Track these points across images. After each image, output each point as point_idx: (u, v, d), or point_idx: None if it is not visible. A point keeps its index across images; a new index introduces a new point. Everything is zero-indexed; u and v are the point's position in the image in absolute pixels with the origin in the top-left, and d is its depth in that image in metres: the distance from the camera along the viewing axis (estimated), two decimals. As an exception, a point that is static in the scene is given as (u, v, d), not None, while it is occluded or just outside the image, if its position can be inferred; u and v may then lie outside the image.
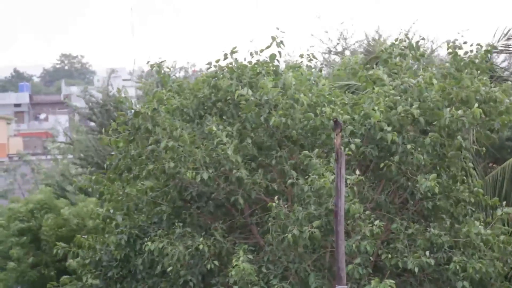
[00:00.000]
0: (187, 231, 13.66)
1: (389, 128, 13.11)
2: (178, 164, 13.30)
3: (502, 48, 19.83)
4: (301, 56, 14.97)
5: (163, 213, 14.55)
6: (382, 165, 13.19)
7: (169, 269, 13.22)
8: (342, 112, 13.34)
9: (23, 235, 21.94)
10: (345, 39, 33.07)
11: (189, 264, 13.51)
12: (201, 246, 13.23)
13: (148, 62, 15.04)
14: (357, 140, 13.06)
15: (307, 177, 12.76)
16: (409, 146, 13.13)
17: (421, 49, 14.88)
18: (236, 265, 12.40)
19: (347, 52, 32.26)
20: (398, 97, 13.44)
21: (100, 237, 15.21)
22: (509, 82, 19.82)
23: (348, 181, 12.42)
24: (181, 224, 13.77)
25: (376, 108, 13.17)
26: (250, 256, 12.75)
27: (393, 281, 11.96)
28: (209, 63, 14.66)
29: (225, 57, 14.31)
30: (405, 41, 14.86)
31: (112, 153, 14.89)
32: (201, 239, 13.38)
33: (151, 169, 13.59)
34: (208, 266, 13.32)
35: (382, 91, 13.59)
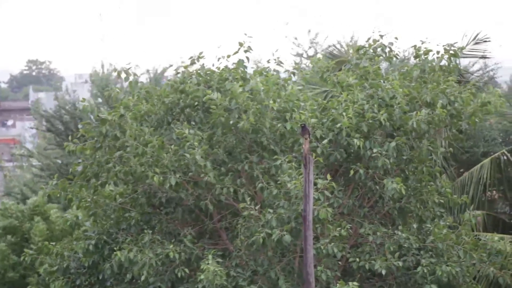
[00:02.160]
0: (157, 238, 13.58)
1: (357, 135, 13.16)
2: (146, 169, 13.24)
3: (469, 53, 20.00)
4: (268, 61, 14.98)
5: (131, 219, 14.47)
6: (351, 171, 13.24)
7: (142, 278, 13.11)
8: (310, 116, 13.37)
9: (12, 233, 21.60)
10: (317, 43, 33.19)
11: (158, 271, 13.43)
12: (171, 254, 13.16)
13: (114, 69, 14.92)
14: (325, 142, 13.08)
15: (278, 182, 12.76)
16: (375, 150, 13.20)
17: (394, 50, 14.96)
18: (205, 269, 12.35)
19: (319, 56, 32.37)
20: (367, 105, 13.49)
21: (68, 244, 15.08)
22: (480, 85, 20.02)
23: (319, 185, 12.44)
24: (150, 231, 13.69)
25: (344, 114, 13.23)
26: (219, 260, 12.71)
27: (357, 283, 11.98)
28: (177, 69, 14.63)
29: (192, 63, 14.28)
30: (378, 40, 14.95)
31: (79, 160, 14.75)
32: (171, 246, 13.31)
33: (118, 171, 13.48)
34: (178, 274, 13.25)
35: (351, 97, 13.65)
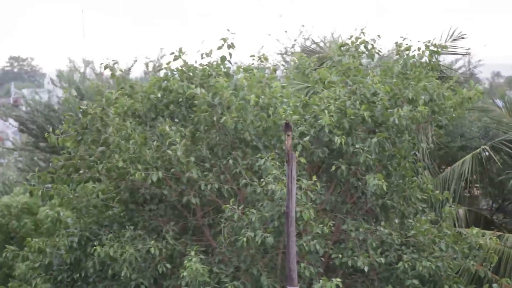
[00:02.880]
0: (138, 234, 13.56)
1: (339, 132, 13.20)
2: (128, 165, 13.21)
3: (449, 50, 20.11)
4: (252, 56, 14.97)
5: (114, 216, 14.43)
6: (333, 167, 13.26)
7: (122, 273, 13.08)
8: (292, 113, 13.38)
9: None
10: (305, 39, 33.27)
11: (140, 267, 13.41)
12: (152, 249, 13.15)
13: (101, 64, 14.91)
14: (306, 140, 13.11)
15: (262, 180, 12.75)
16: (357, 146, 13.24)
17: (376, 47, 15.01)
18: (188, 266, 12.35)
19: (297, 50, 32.47)
20: (348, 101, 13.53)
21: (50, 240, 15.01)
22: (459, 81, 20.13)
23: (303, 186, 12.45)
24: (132, 227, 13.67)
25: (326, 111, 13.25)
26: (202, 257, 12.71)
27: (340, 280, 12.02)
28: (160, 65, 14.61)
29: (175, 59, 14.24)
30: (360, 37, 14.99)
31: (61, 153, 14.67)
32: (152, 242, 13.30)
33: (100, 167, 13.45)
34: (160, 270, 13.24)
35: (333, 94, 13.67)
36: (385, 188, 12.99)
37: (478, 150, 20.15)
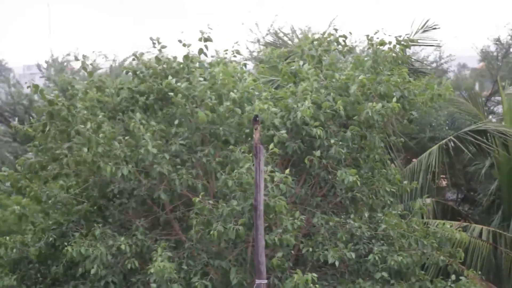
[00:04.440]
0: (107, 231, 13.46)
1: (316, 123, 13.23)
2: (98, 158, 13.13)
3: (420, 40, 20.22)
4: (226, 51, 14.91)
5: (83, 211, 14.32)
6: (306, 160, 13.28)
7: (93, 271, 12.98)
8: (262, 107, 13.34)
9: None
10: (276, 33, 33.20)
11: (110, 263, 13.33)
12: (123, 246, 13.09)
13: (74, 57, 14.83)
14: (283, 133, 13.09)
15: (235, 172, 12.71)
16: (332, 141, 13.27)
17: (348, 44, 15.06)
18: (155, 263, 12.30)
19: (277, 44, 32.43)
20: (322, 95, 13.55)
21: (18, 237, 14.87)
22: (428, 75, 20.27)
23: (276, 179, 12.45)
24: (100, 225, 13.59)
25: (302, 103, 13.24)
26: (169, 254, 12.66)
27: (315, 275, 12.06)
28: (134, 56, 14.49)
29: (154, 45, 14.10)
30: (332, 35, 15.02)
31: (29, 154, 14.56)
32: (122, 238, 13.24)
33: (68, 162, 13.34)
34: (129, 266, 13.18)
35: (309, 87, 13.70)
36: (358, 183, 13.07)
37: (444, 141, 20.33)
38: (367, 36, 14.89)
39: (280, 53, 15.69)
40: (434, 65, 33.47)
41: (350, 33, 15.13)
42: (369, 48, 14.81)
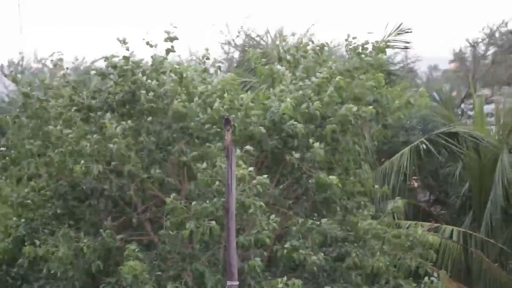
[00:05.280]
0: (70, 233, 13.37)
1: (296, 122, 13.22)
2: (67, 158, 13.03)
3: (392, 44, 20.35)
4: (201, 58, 14.89)
5: (54, 212, 14.22)
6: (287, 158, 13.26)
7: (56, 271, 12.87)
8: (227, 105, 13.28)
9: None
10: (247, 34, 33.18)
11: (76, 265, 13.24)
12: (85, 248, 12.99)
13: (50, 59, 14.78)
14: (261, 129, 13.05)
15: (212, 167, 12.61)
16: (311, 140, 13.27)
17: (324, 54, 15.11)
18: (127, 264, 12.24)
19: (247, 46, 32.41)
20: (301, 96, 13.58)
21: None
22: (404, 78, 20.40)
23: (254, 181, 12.38)
24: (66, 226, 13.49)
25: (285, 101, 13.24)
26: (140, 255, 12.60)
27: (300, 281, 12.08)
28: (105, 58, 14.43)
29: (124, 46, 14.07)
30: (308, 45, 15.07)
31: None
32: (86, 240, 13.16)
33: (38, 163, 13.26)
34: (94, 268, 13.10)
35: (287, 88, 13.71)
36: (339, 185, 13.08)
37: (416, 143, 20.47)
38: (346, 39, 14.95)
39: (259, 54, 15.71)
40: (401, 64, 33.62)
41: (327, 43, 15.24)
42: (349, 52, 14.86)
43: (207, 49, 14.71)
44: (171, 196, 12.57)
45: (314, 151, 13.15)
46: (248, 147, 12.55)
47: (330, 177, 13.12)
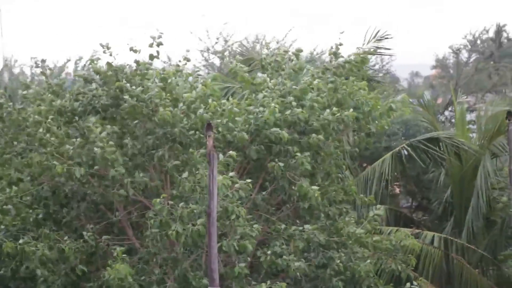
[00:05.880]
0: (52, 235, 13.31)
1: (279, 128, 13.22)
2: (49, 159, 12.96)
3: (373, 50, 20.41)
4: (180, 62, 14.87)
5: (36, 216, 14.13)
6: (271, 165, 13.26)
7: (36, 273, 12.80)
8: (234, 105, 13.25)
9: None
10: (226, 40, 33.22)
11: (58, 269, 13.17)
12: (66, 249, 12.93)
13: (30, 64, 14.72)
14: (245, 135, 13.04)
15: (195, 173, 12.60)
16: (295, 148, 13.28)
17: (300, 62, 15.14)
18: (110, 266, 12.18)
19: (226, 53, 32.44)
20: (284, 102, 13.59)
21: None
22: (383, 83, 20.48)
23: (237, 186, 12.37)
24: (49, 228, 13.42)
25: (270, 105, 13.24)
26: (127, 259, 12.56)
27: (285, 284, 12.05)
28: (89, 62, 14.39)
29: (106, 51, 14.01)
30: (285, 54, 15.13)
31: None
32: (67, 241, 13.06)
33: (19, 163, 13.18)
34: (76, 271, 13.04)
35: (269, 95, 13.72)
36: (319, 199, 13.07)
37: (397, 149, 20.52)
38: (331, 48, 14.99)
39: (243, 60, 15.73)
40: (380, 73, 33.80)
41: (302, 50, 15.29)
42: (330, 59, 14.90)
43: (187, 51, 14.72)
44: (157, 200, 12.54)
45: (298, 159, 13.16)
46: (231, 152, 12.56)
47: (313, 187, 13.10)
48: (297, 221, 14.13)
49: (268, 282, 12.33)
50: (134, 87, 13.31)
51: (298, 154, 13.23)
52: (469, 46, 38.46)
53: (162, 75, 13.67)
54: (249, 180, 12.49)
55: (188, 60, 14.64)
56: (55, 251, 12.93)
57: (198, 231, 12.14)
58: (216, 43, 33.30)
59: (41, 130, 13.00)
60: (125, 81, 13.51)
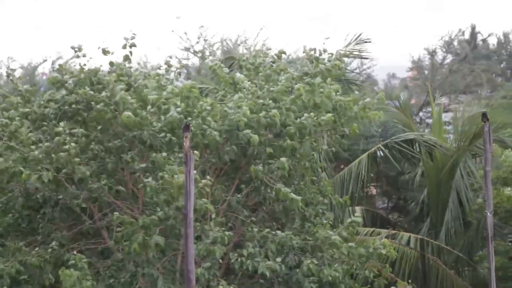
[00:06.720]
0: (19, 245, 13.16)
1: (250, 130, 13.16)
2: (17, 165, 12.83)
3: (352, 53, 20.45)
4: (160, 67, 14.79)
5: (6, 223, 13.97)
6: (252, 169, 13.19)
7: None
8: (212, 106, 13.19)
9: None
10: (205, 40, 33.20)
11: (31, 276, 13.03)
12: (33, 260, 12.80)
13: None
14: (216, 134, 12.95)
15: (161, 176, 12.53)
16: (268, 150, 13.22)
17: (281, 64, 15.12)
18: (64, 273, 12.01)
19: (207, 52, 32.44)
20: (260, 104, 13.55)
21: None
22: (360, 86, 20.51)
23: (200, 185, 12.33)
24: (18, 237, 13.27)
25: (242, 108, 13.20)
26: (85, 266, 12.45)
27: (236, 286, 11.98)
28: (59, 65, 14.23)
29: (76, 55, 13.88)
30: (266, 56, 15.12)
31: None
32: (33, 252, 12.92)
33: None
34: (47, 281, 12.91)
35: (244, 96, 13.66)
36: (300, 203, 13.03)
37: (373, 149, 20.56)
38: (305, 48, 14.99)
39: (224, 60, 15.69)
40: (357, 72, 33.99)
41: (284, 53, 15.23)
42: (308, 61, 14.89)
43: (170, 57, 14.68)
44: (116, 214, 12.43)
45: (279, 163, 13.12)
46: (195, 152, 12.46)
47: (294, 196, 13.05)
48: (273, 223, 14.08)
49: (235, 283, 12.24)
50: (104, 92, 13.18)
51: (273, 157, 13.17)
52: (445, 48, 38.68)
53: (128, 81, 13.56)
54: (225, 183, 12.43)
55: (170, 66, 14.58)
56: (24, 264, 12.81)
57: (157, 243, 12.11)
58: (197, 42, 33.31)
59: (5, 138, 12.86)
60: (97, 84, 13.38)
